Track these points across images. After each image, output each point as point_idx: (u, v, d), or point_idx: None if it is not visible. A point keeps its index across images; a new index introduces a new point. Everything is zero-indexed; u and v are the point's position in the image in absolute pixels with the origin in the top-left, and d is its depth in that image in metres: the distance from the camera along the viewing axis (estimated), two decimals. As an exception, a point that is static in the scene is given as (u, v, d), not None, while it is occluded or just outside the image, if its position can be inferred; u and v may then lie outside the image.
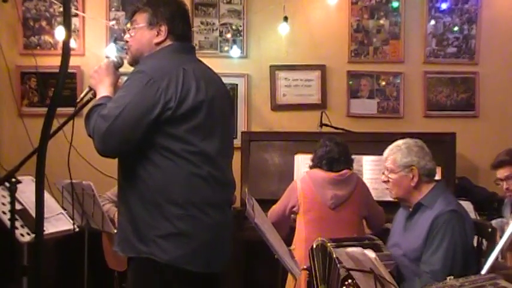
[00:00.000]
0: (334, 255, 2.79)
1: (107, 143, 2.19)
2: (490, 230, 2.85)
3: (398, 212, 3.07)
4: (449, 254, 2.68)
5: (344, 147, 3.60)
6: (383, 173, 2.99)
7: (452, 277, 1.83)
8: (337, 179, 3.51)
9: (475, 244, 2.97)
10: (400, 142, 2.97)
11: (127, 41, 2.42)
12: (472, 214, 3.81)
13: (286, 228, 3.62)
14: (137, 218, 2.24)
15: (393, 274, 2.71)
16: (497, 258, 2.50)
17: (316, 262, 2.99)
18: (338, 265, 2.74)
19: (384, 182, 2.98)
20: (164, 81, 2.20)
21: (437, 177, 4.17)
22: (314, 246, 2.99)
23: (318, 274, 2.99)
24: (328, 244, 2.83)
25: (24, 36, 4.90)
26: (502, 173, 3.29)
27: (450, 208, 2.77)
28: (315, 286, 3.03)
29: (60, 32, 4.78)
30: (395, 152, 2.93)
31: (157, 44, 2.36)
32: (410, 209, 2.92)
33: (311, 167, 3.66)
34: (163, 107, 2.19)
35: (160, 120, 2.20)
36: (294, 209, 3.56)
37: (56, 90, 1.15)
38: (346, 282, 2.72)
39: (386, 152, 2.98)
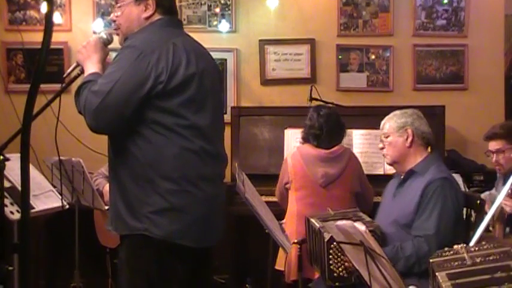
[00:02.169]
0: (318, 226, 2.81)
1: (99, 119, 2.17)
2: (478, 201, 2.87)
3: (389, 183, 3.10)
4: (442, 220, 2.71)
5: (328, 118, 3.55)
6: (380, 141, 3.02)
7: (464, 244, 1.83)
8: (328, 156, 3.50)
9: (464, 216, 3.00)
10: (396, 111, 3.03)
11: (114, 21, 2.39)
12: (461, 186, 3.83)
13: None
14: (129, 194, 2.24)
15: (378, 234, 2.74)
16: (487, 229, 2.52)
17: (310, 239, 3.02)
18: (321, 230, 2.76)
19: (381, 149, 3.02)
20: (154, 55, 2.18)
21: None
22: (310, 223, 3.01)
23: (312, 252, 3.02)
24: (317, 225, 2.85)
25: (9, 12, 4.83)
26: (493, 145, 3.29)
27: (442, 175, 2.81)
28: (312, 263, 3.06)
29: (45, 7, 4.71)
30: (392, 117, 2.99)
31: (147, 18, 2.33)
32: (402, 177, 2.95)
33: (302, 142, 3.65)
34: (155, 80, 2.17)
35: (151, 95, 2.18)
36: (287, 186, 3.57)
37: (38, 65, 1.13)
38: (332, 245, 2.75)
39: (383, 121, 3.03)
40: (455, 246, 1.84)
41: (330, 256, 2.76)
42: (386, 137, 2.96)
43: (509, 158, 3.23)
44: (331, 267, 2.77)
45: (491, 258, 1.76)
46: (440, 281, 1.72)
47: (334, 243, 2.72)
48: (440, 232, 2.69)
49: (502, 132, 3.23)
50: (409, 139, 2.90)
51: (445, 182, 2.78)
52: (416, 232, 2.75)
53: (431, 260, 1.82)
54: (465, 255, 1.77)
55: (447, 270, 1.75)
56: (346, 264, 2.76)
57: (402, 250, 2.68)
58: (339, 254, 2.75)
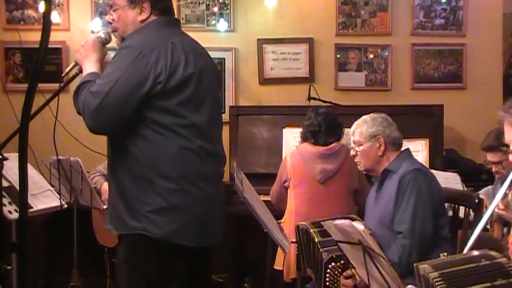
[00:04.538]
0: (317, 240, 2.83)
1: (98, 119, 2.18)
2: (477, 200, 2.88)
3: (371, 189, 3.11)
4: (419, 210, 2.74)
5: (326, 116, 3.60)
6: (351, 148, 3.03)
7: (445, 253, 1.84)
8: (325, 153, 3.53)
9: (463, 215, 3.00)
10: (365, 116, 3.04)
11: (110, 23, 2.38)
12: (460, 185, 3.84)
13: None
14: (128, 194, 2.24)
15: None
16: (484, 228, 2.52)
17: (302, 243, 3.03)
18: (321, 250, 2.78)
19: (353, 156, 3.03)
20: (153, 56, 2.18)
21: (425, 149, 4.24)
22: (300, 228, 3.03)
23: (304, 256, 3.03)
24: (311, 230, 2.86)
25: (7, 11, 4.82)
26: (491, 157, 3.28)
27: (414, 167, 2.84)
28: (303, 267, 3.07)
29: (43, 6, 4.70)
30: (361, 125, 3.00)
31: (142, 21, 2.33)
32: (379, 179, 2.98)
33: (300, 141, 3.69)
34: (154, 81, 2.17)
35: (150, 95, 2.18)
36: (286, 184, 3.59)
37: (37, 64, 1.13)
38: (330, 266, 2.76)
39: (353, 127, 3.04)
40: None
41: (327, 275, 2.79)
42: (358, 146, 2.98)
43: (508, 166, 3.22)
44: (327, 283, 2.79)
45: (469, 254, 1.77)
46: (426, 272, 1.70)
47: (332, 263, 2.75)
48: (418, 222, 2.72)
49: (497, 144, 3.22)
50: (382, 148, 2.93)
51: (418, 173, 2.81)
52: (397, 227, 2.78)
53: (415, 264, 1.82)
54: (447, 258, 1.78)
55: (431, 263, 1.75)
56: (342, 282, 2.78)
57: (391, 259, 2.67)
58: (336, 272, 2.78)
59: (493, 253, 1.73)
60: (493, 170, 3.31)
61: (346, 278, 2.75)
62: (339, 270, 2.76)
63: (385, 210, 2.84)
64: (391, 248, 2.72)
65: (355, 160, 3.03)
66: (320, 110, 3.66)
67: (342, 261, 2.72)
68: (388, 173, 2.91)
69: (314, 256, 2.89)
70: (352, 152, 3.04)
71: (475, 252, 1.76)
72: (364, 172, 3.12)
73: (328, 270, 2.77)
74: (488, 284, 1.64)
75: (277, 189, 3.68)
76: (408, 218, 2.73)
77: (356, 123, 3.03)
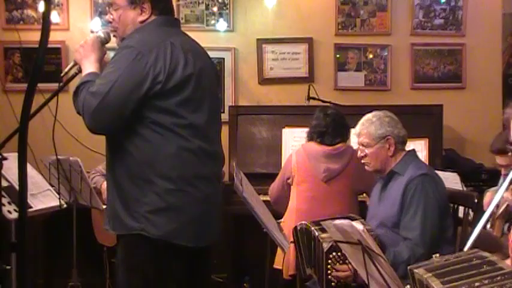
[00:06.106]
0: (317, 234, 2.82)
1: (97, 120, 2.18)
2: (476, 200, 2.88)
3: (374, 188, 3.11)
4: (427, 217, 2.73)
5: (333, 118, 3.59)
6: (358, 149, 3.01)
7: (438, 255, 1.84)
8: (330, 152, 3.53)
9: (461, 215, 3.01)
10: (369, 116, 3.00)
11: (110, 22, 2.38)
12: (459, 185, 3.84)
13: (287, 202, 3.65)
14: (126, 193, 2.24)
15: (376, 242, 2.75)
16: (485, 226, 2.53)
17: (301, 243, 3.02)
18: (321, 240, 2.76)
19: (361, 157, 3.00)
20: (152, 56, 2.18)
21: (425, 149, 4.24)
22: (298, 229, 3.02)
23: (304, 256, 3.03)
24: (312, 228, 2.86)
25: (7, 10, 4.82)
26: (501, 160, 3.25)
27: (421, 172, 2.83)
28: (303, 268, 3.07)
29: (43, 6, 4.70)
30: (368, 126, 2.95)
31: (142, 21, 2.33)
32: (383, 179, 2.96)
33: (307, 140, 3.68)
34: (153, 81, 2.18)
35: (149, 95, 2.19)
36: (289, 181, 3.60)
37: (36, 64, 1.13)
38: (331, 255, 2.75)
39: (359, 128, 2.99)
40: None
41: (328, 266, 2.77)
42: (367, 147, 2.94)
43: None
44: (329, 276, 2.78)
45: (464, 255, 1.77)
46: (420, 274, 1.70)
47: (333, 253, 2.74)
48: (427, 229, 2.72)
49: (507, 147, 3.19)
50: (392, 148, 2.91)
51: (425, 178, 2.80)
52: (404, 233, 2.76)
53: (408, 268, 1.82)
54: (440, 259, 1.78)
55: (424, 266, 1.76)
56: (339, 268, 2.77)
57: (400, 255, 2.68)
58: (337, 263, 2.77)
59: (487, 254, 1.74)
60: (502, 173, 3.28)
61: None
62: (340, 262, 2.75)
63: (389, 212, 2.83)
64: (400, 247, 2.72)
65: (363, 161, 3.00)
66: (329, 111, 3.64)
67: (342, 251, 2.71)
68: (394, 174, 2.90)
69: (315, 251, 2.87)
70: (360, 154, 3.00)
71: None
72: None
73: (330, 261, 2.76)
74: (466, 264, 1.66)
75: (278, 185, 3.67)
76: (418, 225, 2.72)
77: (361, 123, 2.98)
